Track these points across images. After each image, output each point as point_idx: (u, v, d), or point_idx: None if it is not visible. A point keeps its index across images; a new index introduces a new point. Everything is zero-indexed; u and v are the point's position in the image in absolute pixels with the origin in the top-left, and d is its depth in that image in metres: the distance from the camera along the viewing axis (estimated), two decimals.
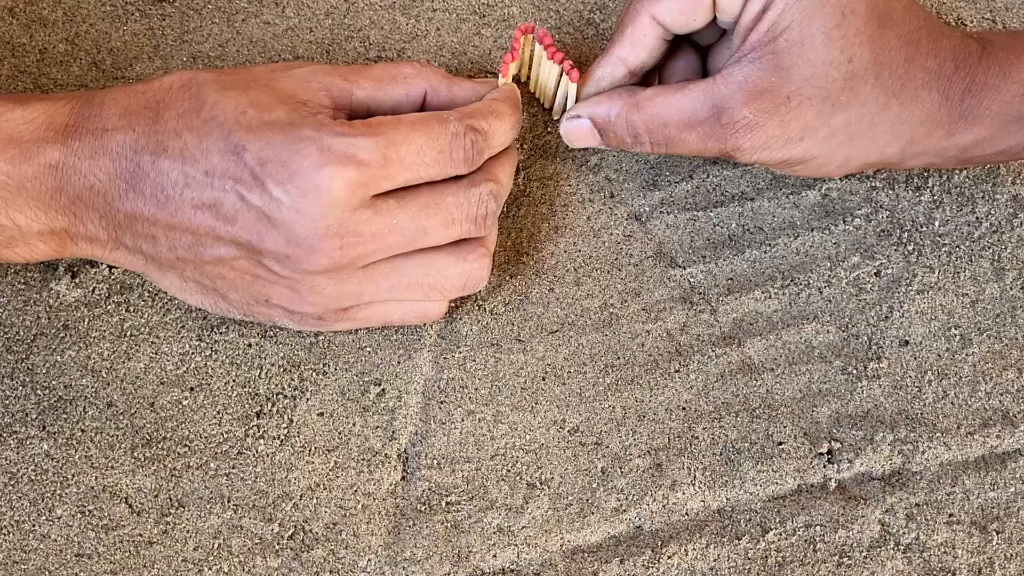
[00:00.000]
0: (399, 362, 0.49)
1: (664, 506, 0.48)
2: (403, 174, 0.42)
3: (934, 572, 0.48)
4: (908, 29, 0.45)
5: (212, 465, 0.48)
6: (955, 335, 0.51)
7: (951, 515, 0.49)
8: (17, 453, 0.47)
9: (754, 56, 0.44)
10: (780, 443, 0.49)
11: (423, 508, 0.48)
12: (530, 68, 0.52)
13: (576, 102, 0.49)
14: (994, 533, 0.49)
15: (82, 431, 0.48)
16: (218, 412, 0.48)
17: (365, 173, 0.41)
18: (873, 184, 0.53)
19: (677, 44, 0.49)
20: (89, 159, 0.42)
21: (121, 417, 0.48)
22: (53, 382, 0.48)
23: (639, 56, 0.48)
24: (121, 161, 0.42)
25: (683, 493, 0.48)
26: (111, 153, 0.42)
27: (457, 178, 0.44)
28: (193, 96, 0.42)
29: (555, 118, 0.53)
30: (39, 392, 0.48)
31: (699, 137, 0.45)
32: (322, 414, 0.48)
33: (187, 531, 0.47)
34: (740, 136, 0.45)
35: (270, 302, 0.44)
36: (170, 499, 0.47)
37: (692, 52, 0.50)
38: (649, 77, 0.50)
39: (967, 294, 0.52)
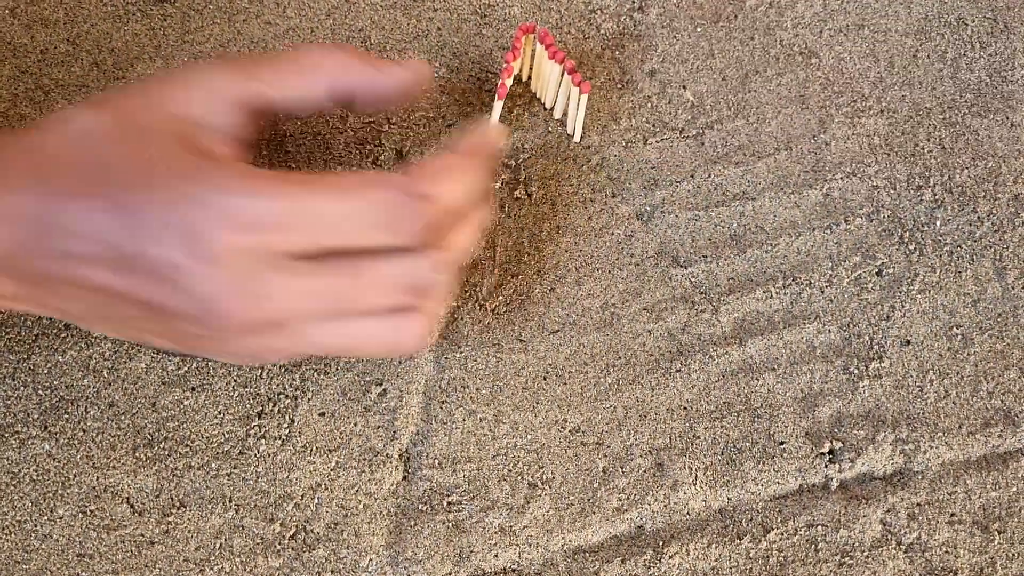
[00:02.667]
0: (400, 362, 0.49)
1: (665, 506, 0.48)
2: (322, 240, 0.39)
3: (936, 572, 0.48)
4: None
5: (213, 465, 0.48)
6: (957, 334, 0.51)
7: (953, 515, 0.49)
8: (19, 453, 0.47)
9: None
10: (782, 443, 0.49)
11: (424, 508, 0.48)
12: (531, 67, 0.52)
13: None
14: (996, 533, 0.48)
15: (84, 431, 0.48)
16: (219, 412, 0.48)
17: (267, 239, 0.38)
18: (875, 184, 0.53)
19: None
20: None
21: (123, 417, 0.48)
22: (55, 382, 0.48)
23: None
24: (19, 225, 0.39)
25: (684, 493, 0.48)
26: (7, 217, 0.39)
27: None
28: (91, 154, 0.39)
29: (556, 117, 0.53)
30: (41, 392, 0.48)
31: None
32: (323, 414, 0.48)
33: (189, 531, 0.47)
34: None
35: (207, 351, 0.42)
36: (171, 499, 0.47)
37: None
38: None
39: (969, 293, 0.51)
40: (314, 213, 0.38)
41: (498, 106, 0.48)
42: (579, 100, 0.49)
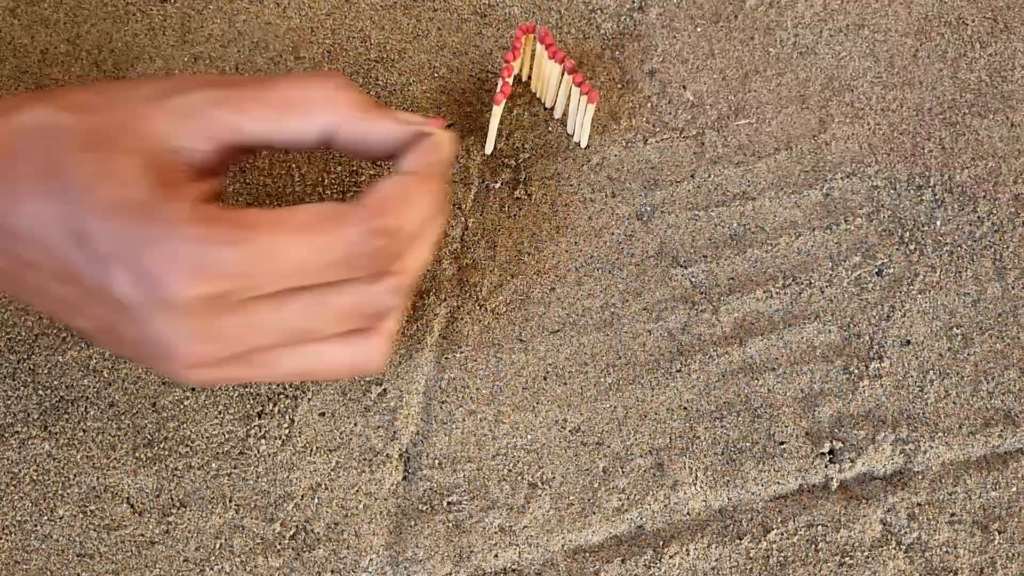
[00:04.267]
0: (400, 362, 0.49)
1: (666, 506, 0.48)
2: (279, 284, 0.37)
3: (936, 572, 0.48)
4: None
5: (213, 465, 0.48)
6: (957, 334, 0.51)
7: (953, 515, 0.49)
8: (19, 453, 0.47)
9: None
10: (782, 443, 0.49)
11: (424, 508, 0.48)
12: (531, 67, 0.52)
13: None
14: (996, 533, 0.48)
15: (84, 431, 0.48)
16: (219, 412, 0.48)
17: (221, 286, 0.36)
18: (875, 183, 0.53)
19: None
20: None
21: (123, 417, 0.48)
22: (55, 382, 0.48)
23: None
24: None
25: (685, 493, 0.48)
26: None
27: None
28: (48, 153, 0.37)
29: (556, 117, 0.53)
30: (41, 392, 0.48)
31: None
32: (323, 414, 0.49)
33: (189, 531, 0.47)
34: None
35: (157, 370, 0.40)
36: (172, 499, 0.47)
37: None
38: None
39: (969, 293, 0.51)
40: (274, 258, 0.36)
41: (496, 111, 0.48)
42: (586, 109, 0.49)
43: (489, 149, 0.51)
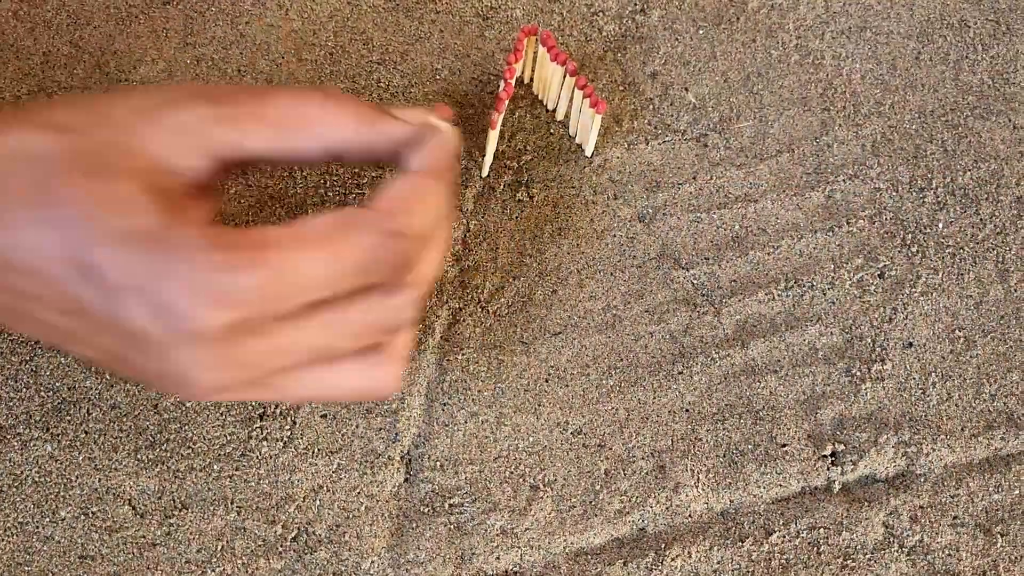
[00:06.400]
0: None
1: (667, 508, 0.48)
2: (299, 300, 0.36)
3: (938, 575, 0.48)
4: None
5: (215, 467, 0.48)
6: (959, 337, 0.51)
7: (955, 517, 0.49)
8: (21, 455, 0.47)
9: None
10: (784, 445, 0.49)
11: (426, 510, 0.48)
12: (533, 70, 0.52)
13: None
14: (998, 536, 0.48)
15: (86, 433, 0.48)
16: (221, 414, 0.48)
17: (245, 312, 0.35)
18: (877, 186, 0.53)
19: None
20: None
21: (125, 419, 0.48)
22: (57, 384, 0.48)
23: None
24: None
25: (686, 495, 0.48)
26: None
27: None
28: (37, 180, 0.34)
29: (559, 119, 0.53)
30: (43, 394, 0.48)
31: None
32: (325, 416, 0.49)
33: (190, 533, 0.47)
34: None
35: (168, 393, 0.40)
36: (173, 501, 0.47)
37: None
38: None
39: (971, 296, 0.51)
40: (294, 276, 0.35)
41: (493, 136, 0.48)
42: (592, 119, 0.49)
43: (485, 171, 0.51)
